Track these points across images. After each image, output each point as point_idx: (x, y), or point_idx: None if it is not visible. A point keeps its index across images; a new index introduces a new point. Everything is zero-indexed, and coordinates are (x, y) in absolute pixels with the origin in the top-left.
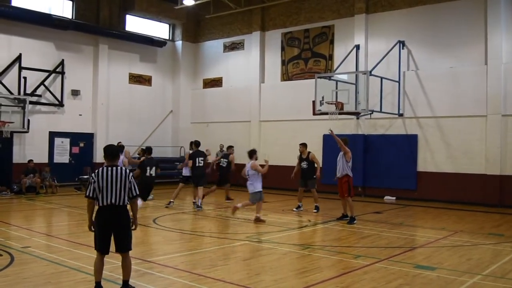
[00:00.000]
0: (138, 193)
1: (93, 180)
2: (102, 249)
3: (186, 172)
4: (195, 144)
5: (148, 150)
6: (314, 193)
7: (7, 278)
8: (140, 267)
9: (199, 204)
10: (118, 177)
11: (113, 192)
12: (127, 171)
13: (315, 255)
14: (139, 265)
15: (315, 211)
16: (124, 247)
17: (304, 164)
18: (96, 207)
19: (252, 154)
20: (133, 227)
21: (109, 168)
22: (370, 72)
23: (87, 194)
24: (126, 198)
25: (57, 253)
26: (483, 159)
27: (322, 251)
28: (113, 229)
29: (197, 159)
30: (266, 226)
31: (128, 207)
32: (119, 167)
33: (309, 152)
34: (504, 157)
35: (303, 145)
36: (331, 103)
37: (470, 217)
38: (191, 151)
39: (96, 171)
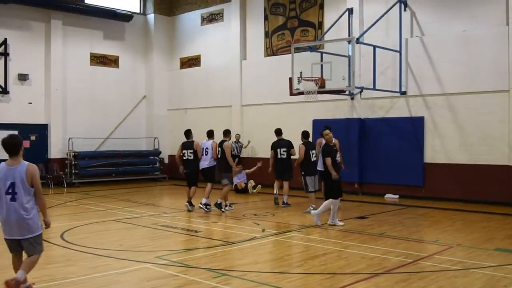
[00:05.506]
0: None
1: None
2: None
3: None
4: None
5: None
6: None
7: None
8: None
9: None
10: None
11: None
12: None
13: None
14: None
15: None
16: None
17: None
18: None
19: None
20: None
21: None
22: (358, 39)
23: None
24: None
25: None
26: (506, 146)
27: (239, 280)
28: None
29: (278, 150)
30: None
31: None
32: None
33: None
34: None
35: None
36: (309, 80)
37: (481, 223)
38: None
39: None
